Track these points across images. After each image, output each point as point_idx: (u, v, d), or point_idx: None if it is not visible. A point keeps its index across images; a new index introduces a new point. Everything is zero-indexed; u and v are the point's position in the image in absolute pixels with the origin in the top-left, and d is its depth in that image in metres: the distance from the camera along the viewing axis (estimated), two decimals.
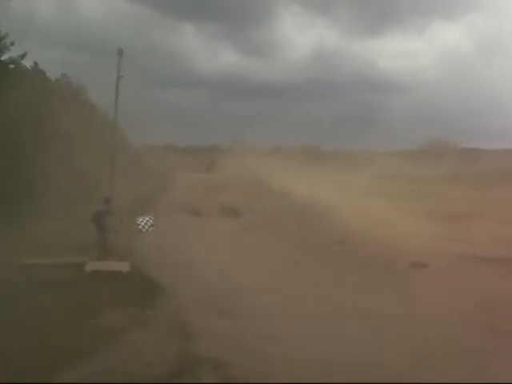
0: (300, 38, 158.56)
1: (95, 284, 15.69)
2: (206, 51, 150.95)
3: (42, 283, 15.65)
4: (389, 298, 17.01)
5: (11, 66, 31.35)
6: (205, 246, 25.46)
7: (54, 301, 13.54)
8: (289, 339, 11.81)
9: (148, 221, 19.01)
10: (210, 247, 24.95)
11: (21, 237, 21.43)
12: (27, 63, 34.51)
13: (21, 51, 31.82)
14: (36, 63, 37.23)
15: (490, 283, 18.44)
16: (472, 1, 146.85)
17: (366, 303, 16.18)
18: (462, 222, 31.32)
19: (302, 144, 76.81)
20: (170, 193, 42.80)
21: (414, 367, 10.16)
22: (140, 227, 18.88)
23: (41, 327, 10.98)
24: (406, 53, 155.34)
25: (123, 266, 16.63)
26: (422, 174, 60.29)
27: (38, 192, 28.00)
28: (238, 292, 17.80)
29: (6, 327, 10.76)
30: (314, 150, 79.35)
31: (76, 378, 8.50)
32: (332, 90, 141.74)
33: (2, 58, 30.48)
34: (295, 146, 72.94)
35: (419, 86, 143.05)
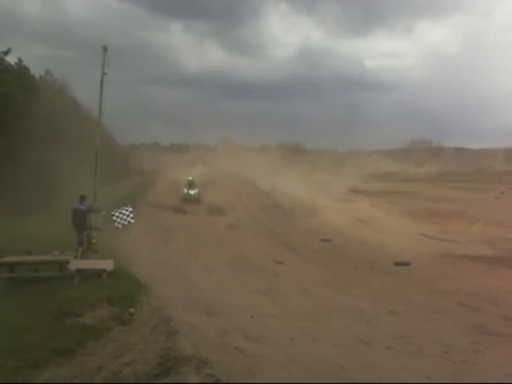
0: (287, 37, 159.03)
1: (78, 282, 15.60)
2: (193, 50, 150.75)
3: (24, 281, 15.55)
4: (370, 295, 17.11)
5: None
6: (188, 244, 25.46)
7: (37, 299, 13.47)
8: (270, 339, 11.84)
9: (125, 213, 18.65)
10: (192, 246, 24.95)
11: (3, 234, 21.29)
12: (11, 60, 34.30)
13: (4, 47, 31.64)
14: (20, 60, 36.97)
15: (472, 282, 18.58)
16: (459, 1, 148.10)
17: (349, 301, 16.27)
18: (447, 222, 31.55)
19: (288, 143, 77.15)
20: (156, 191, 42.65)
21: (396, 365, 10.20)
22: (116, 223, 18.55)
23: (23, 326, 10.88)
24: (393, 52, 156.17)
25: (107, 264, 16.50)
26: (407, 174, 60.71)
27: (21, 190, 27.80)
28: (220, 291, 17.84)
29: None
30: (300, 148, 79.68)
31: (58, 378, 8.42)
32: (318, 89, 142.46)
33: None
34: (281, 144, 73.13)
35: (406, 85, 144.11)
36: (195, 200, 39.00)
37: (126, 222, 18.63)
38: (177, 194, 41.23)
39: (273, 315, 14.70)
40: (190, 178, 42.47)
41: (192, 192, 40.30)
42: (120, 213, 18.62)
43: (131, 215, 18.68)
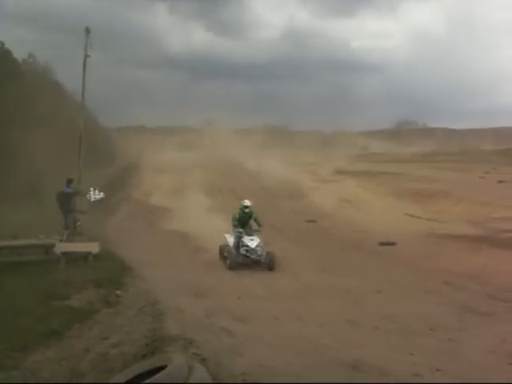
0: (272, 18, 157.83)
1: (64, 265, 15.61)
2: (178, 31, 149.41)
3: (9, 265, 15.52)
4: (357, 275, 17.22)
5: None
6: (175, 227, 25.48)
7: (23, 283, 13.47)
8: (257, 319, 11.92)
9: (95, 191, 18.82)
10: (179, 229, 24.97)
11: None
12: None
13: None
14: (2, 43, 36.66)
15: (458, 261, 18.71)
16: None
17: (335, 281, 16.36)
18: (432, 202, 31.71)
19: (273, 124, 77.10)
20: (142, 174, 42.57)
21: (381, 343, 10.29)
22: (88, 196, 18.75)
23: (9, 310, 10.90)
24: (378, 32, 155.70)
25: (93, 247, 16.54)
26: (393, 154, 60.92)
27: (5, 175, 27.64)
28: (204, 272, 17.90)
29: None
30: (284, 130, 79.67)
31: (46, 361, 8.46)
32: (305, 70, 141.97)
33: None
34: (265, 126, 73.07)
35: (392, 65, 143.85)
36: (258, 261, 19.11)
37: (98, 196, 18.87)
38: (163, 176, 40.79)
39: (259, 296, 14.77)
40: (246, 203, 20.47)
41: (252, 242, 19.39)
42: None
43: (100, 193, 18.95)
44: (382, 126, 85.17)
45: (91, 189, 18.85)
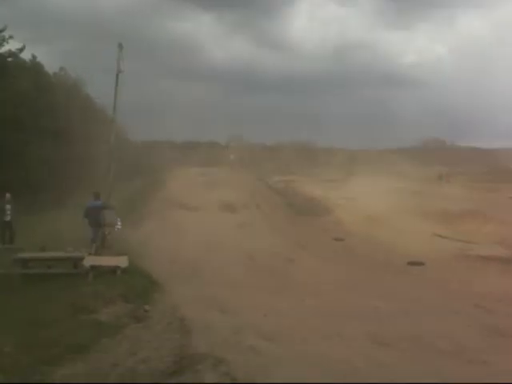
0: (320, 31, 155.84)
1: (93, 279, 15.66)
2: (221, 43, 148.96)
3: (38, 278, 15.62)
4: (384, 295, 17.03)
5: (9, 59, 31.34)
6: (201, 241, 25.46)
7: (51, 295, 13.52)
8: (289, 338, 11.82)
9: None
10: (206, 243, 24.94)
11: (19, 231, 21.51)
12: (25, 56, 34.54)
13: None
14: (34, 56, 37.22)
15: (488, 282, 18.46)
16: None
17: (362, 300, 16.20)
18: (460, 221, 31.36)
19: (301, 140, 76.98)
20: (169, 188, 42.71)
21: (410, 365, 10.14)
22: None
23: (37, 322, 10.94)
24: (429, 47, 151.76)
25: (122, 261, 16.56)
26: (420, 172, 60.43)
27: (36, 187, 27.96)
28: (234, 290, 17.81)
29: (3, 322, 10.72)
30: (313, 146, 79.37)
31: (74, 375, 8.46)
32: (343, 85, 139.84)
33: (1, 51, 30.45)
34: (294, 142, 73.07)
35: (433, 81, 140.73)
36: None
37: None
38: (189, 191, 40.79)
39: (285, 314, 14.66)
40: None
41: None
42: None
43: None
44: (412, 143, 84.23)
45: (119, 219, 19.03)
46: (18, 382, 8.00)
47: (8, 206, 22.02)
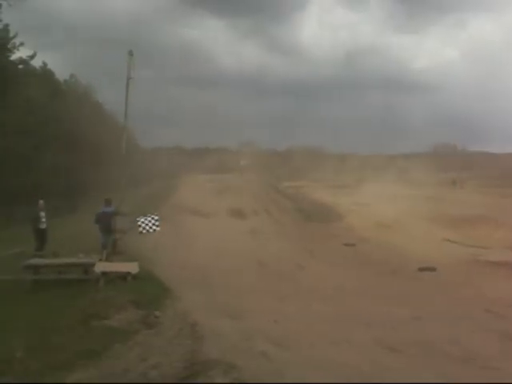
0: (331, 36, 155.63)
1: (103, 285, 15.70)
2: (233, 49, 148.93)
3: (49, 284, 15.69)
4: (395, 301, 16.98)
5: (20, 66, 31.56)
6: (211, 247, 25.49)
7: (62, 301, 13.59)
8: (293, 343, 11.80)
9: (151, 220, 18.78)
10: (216, 249, 24.98)
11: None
12: (36, 63, 34.81)
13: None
14: (45, 63, 37.47)
15: (499, 288, 18.37)
16: None
17: (373, 306, 16.16)
18: (471, 227, 31.24)
19: (313, 146, 76.93)
20: (179, 194, 42.80)
21: (422, 370, 10.11)
22: (141, 228, 18.70)
23: (49, 328, 10.99)
24: (440, 51, 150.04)
25: (132, 267, 16.58)
26: (431, 177, 60.25)
27: (47, 193, 28.10)
28: (244, 295, 17.81)
29: (15, 328, 10.78)
30: (323, 151, 79.37)
31: (86, 379, 8.49)
32: (354, 90, 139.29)
33: (12, 58, 30.67)
34: (305, 147, 73.03)
35: (445, 86, 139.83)
36: None
37: (150, 230, 18.79)
38: (199, 197, 40.79)
39: (295, 319, 14.64)
40: None
41: None
42: (146, 219, 18.81)
43: (157, 223, 18.85)
44: (423, 148, 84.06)
45: (145, 219, 18.85)
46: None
47: (42, 214, 21.36)
